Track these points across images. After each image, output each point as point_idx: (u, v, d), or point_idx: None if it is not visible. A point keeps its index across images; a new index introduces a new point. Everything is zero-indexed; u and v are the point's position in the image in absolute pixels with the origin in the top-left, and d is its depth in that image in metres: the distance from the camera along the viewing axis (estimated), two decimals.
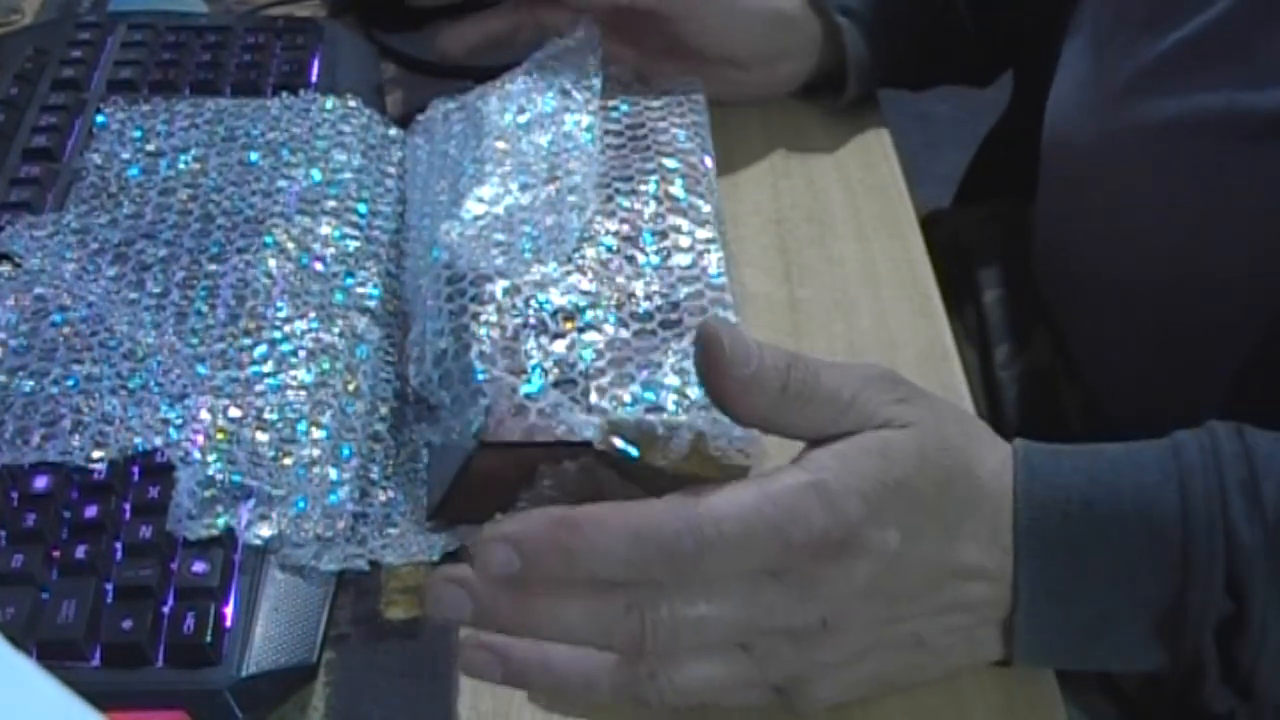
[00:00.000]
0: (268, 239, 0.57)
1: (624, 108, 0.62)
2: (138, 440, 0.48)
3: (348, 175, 0.61)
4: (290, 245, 0.57)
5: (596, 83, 0.61)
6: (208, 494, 0.47)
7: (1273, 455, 0.43)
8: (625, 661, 0.40)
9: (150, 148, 0.62)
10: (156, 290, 0.55)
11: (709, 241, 0.55)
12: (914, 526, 0.41)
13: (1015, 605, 0.43)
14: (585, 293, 0.52)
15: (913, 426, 0.42)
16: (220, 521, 0.46)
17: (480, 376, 0.49)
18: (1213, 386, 0.56)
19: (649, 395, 0.49)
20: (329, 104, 0.65)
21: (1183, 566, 0.42)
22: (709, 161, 0.60)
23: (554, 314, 0.51)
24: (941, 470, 0.42)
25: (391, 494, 0.50)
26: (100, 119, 0.64)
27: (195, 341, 0.52)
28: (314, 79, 0.69)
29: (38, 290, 0.54)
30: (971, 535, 0.42)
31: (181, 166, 0.61)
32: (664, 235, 0.55)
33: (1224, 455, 0.43)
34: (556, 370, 0.49)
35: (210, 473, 0.47)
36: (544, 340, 0.50)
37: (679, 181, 0.57)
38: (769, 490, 0.40)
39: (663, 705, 0.41)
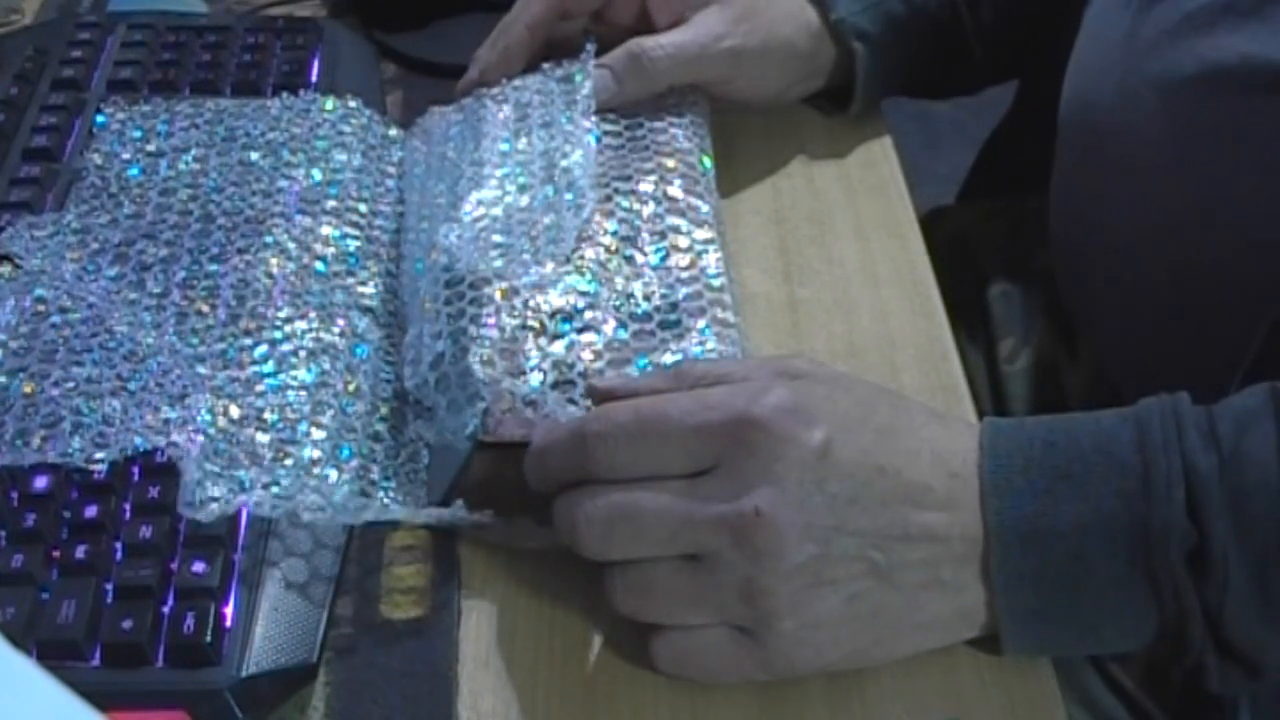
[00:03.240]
0: (268, 239, 0.57)
1: (622, 108, 0.62)
2: (138, 440, 0.48)
3: (348, 175, 0.61)
4: (290, 245, 0.57)
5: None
6: (214, 484, 0.47)
7: (1230, 403, 0.45)
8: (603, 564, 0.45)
9: (150, 148, 0.62)
10: (157, 290, 0.55)
11: (708, 242, 0.55)
12: (841, 427, 0.44)
13: (988, 554, 0.44)
14: (584, 293, 0.52)
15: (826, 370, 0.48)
16: (231, 505, 0.46)
17: (479, 378, 0.49)
18: (1231, 364, 0.56)
19: None
20: (329, 104, 0.65)
21: (1143, 494, 0.43)
22: (708, 161, 0.60)
23: (553, 315, 0.51)
24: (863, 388, 0.46)
25: (392, 494, 0.50)
26: (100, 119, 0.64)
27: (195, 341, 0.53)
28: (314, 79, 0.69)
29: (38, 291, 0.54)
30: (909, 450, 0.44)
31: (182, 166, 0.61)
32: (663, 236, 0.55)
33: (1180, 402, 0.45)
34: (555, 371, 0.49)
35: (211, 472, 0.47)
36: (543, 341, 0.50)
37: (678, 182, 0.57)
38: (692, 391, 0.45)
39: (627, 610, 0.44)
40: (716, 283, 0.53)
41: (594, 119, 0.59)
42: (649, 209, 0.56)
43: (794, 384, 0.45)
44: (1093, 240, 0.66)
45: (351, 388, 0.52)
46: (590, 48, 0.62)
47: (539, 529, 0.49)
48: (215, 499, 0.46)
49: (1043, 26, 0.72)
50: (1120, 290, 0.65)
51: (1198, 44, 0.56)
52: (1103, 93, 0.62)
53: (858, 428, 0.44)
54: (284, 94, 0.66)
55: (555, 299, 0.51)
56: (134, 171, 0.61)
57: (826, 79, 0.68)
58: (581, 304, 0.51)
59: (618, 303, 0.52)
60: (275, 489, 0.47)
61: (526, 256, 0.53)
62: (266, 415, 0.49)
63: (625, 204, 0.56)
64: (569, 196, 0.56)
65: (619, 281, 0.53)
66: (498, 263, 0.53)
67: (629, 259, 0.54)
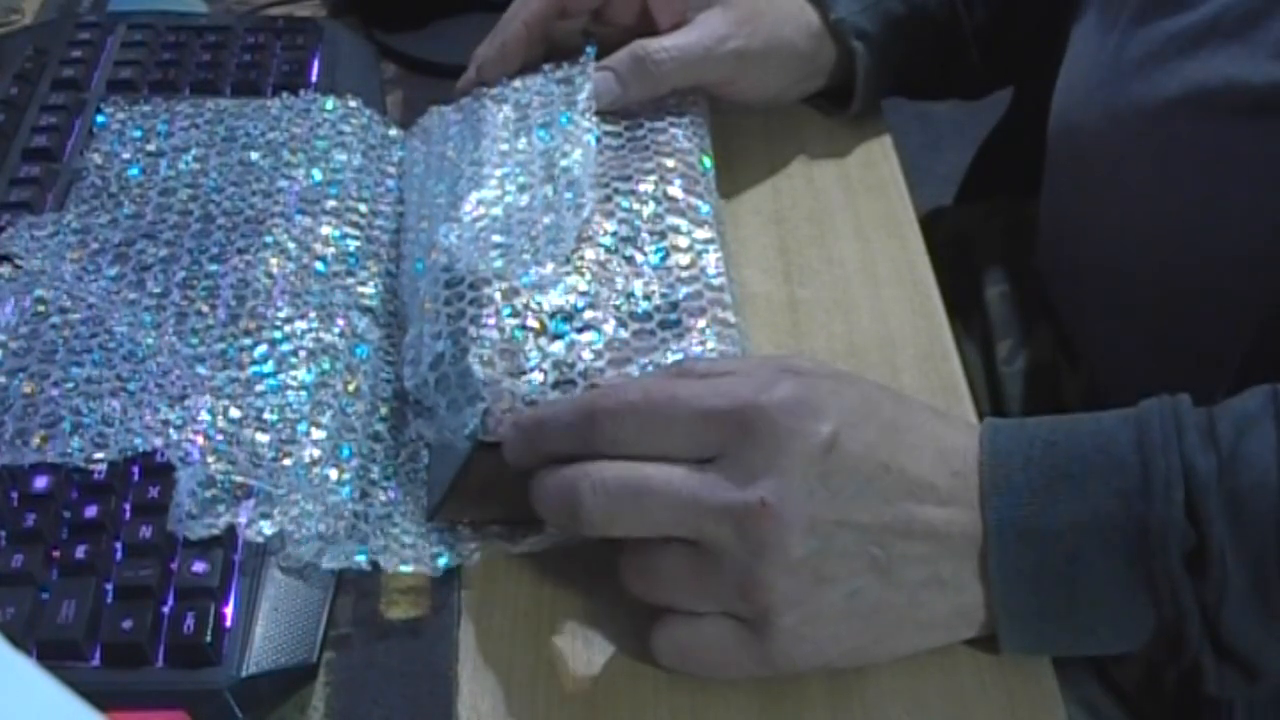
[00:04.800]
0: (268, 239, 0.57)
1: (622, 107, 0.62)
2: (138, 441, 0.48)
3: (348, 175, 0.61)
4: (290, 245, 0.57)
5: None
6: (208, 494, 0.47)
7: (1230, 404, 0.45)
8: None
9: (150, 148, 0.62)
10: (157, 290, 0.55)
11: (707, 242, 0.55)
12: (847, 421, 0.44)
13: (987, 552, 0.44)
14: (584, 293, 0.52)
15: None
16: (221, 521, 0.47)
17: (479, 378, 0.49)
18: (1215, 375, 0.56)
19: None
20: (329, 104, 0.65)
21: (1142, 494, 0.43)
22: (708, 161, 0.60)
23: (553, 315, 0.51)
24: (867, 385, 0.47)
25: (392, 494, 0.50)
26: (100, 119, 0.64)
27: (195, 342, 0.53)
28: (314, 79, 0.69)
29: (38, 291, 0.54)
30: (912, 447, 0.44)
31: (182, 166, 0.61)
32: (662, 235, 0.55)
33: (1181, 403, 0.45)
34: (555, 371, 0.49)
35: (210, 473, 0.47)
36: (543, 341, 0.50)
37: (678, 181, 0.57)
38: (702, 379, 0.45)
39: (636, 591, 0.45)
40: (716, 282, 0.53)
41: (594, 119, 0.59)
42: (649, 209, 0.56)
43: (800, 379, 0.45)
44: (1081, 255, 0.67)
45: (351, 388, 0.52)
46: (591, 50, 0.62)
47: (539, 531, 0.49)
48: (206, 518, 0.46)
49: (1038, 30, 0.72)
50: (1108, 302, 0.65)
51: (1182, 66, 0.56)
52: (1089, 114, 0.62)
53: (863, 423, 0.44)
54: (284, 94, 0.66)
55: (555, 299, 0.51)
56: (134, 171, 0.61)
57: (827, 79, 0.68)
58: (581, 304, 0.51)
59: (618, 302, 0.52)
60: (264, 508, 0.47)
61: (526, 256, 0.53)
62: (266, 415, 0.49)
63: (625, 204, 0.56)
64: (569, 196, 0.56)
65: (619, 281, 0.53)
66: (498, 263, 0.53)
67: (629, 259, 0.54)
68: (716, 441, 0.43)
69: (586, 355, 0.50)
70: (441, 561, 0.49)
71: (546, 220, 0.55)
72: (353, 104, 0.65)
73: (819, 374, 0.46)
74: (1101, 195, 0.63)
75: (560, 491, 0.45)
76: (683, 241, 0.55)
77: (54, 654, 0.43)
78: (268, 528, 0.47)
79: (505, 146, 0.59)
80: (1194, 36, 0.56)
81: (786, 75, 0.66)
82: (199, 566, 0.45)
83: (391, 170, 0.64)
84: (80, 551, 0.46)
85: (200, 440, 0.48)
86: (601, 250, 0.54)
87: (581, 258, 0.53)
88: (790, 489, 0.42)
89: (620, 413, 0.44)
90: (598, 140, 0.59)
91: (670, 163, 0.58)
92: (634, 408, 0.44)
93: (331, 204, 0.59)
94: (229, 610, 0.45)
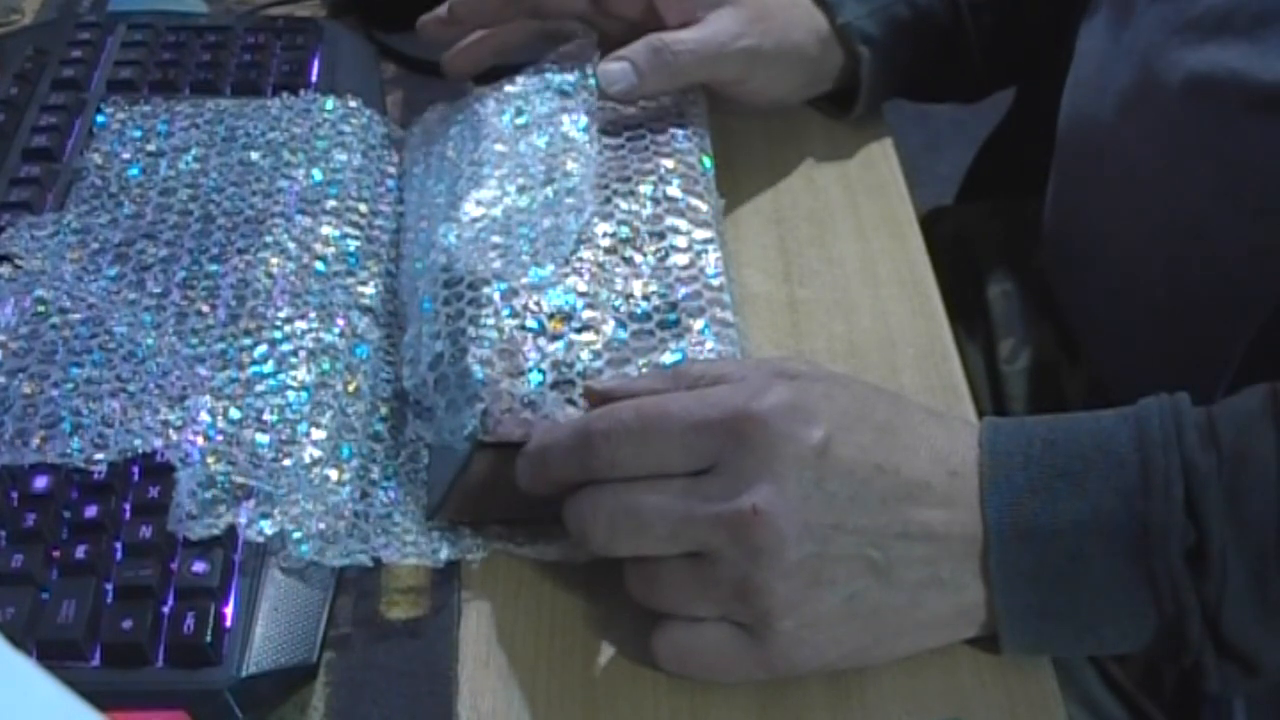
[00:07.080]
0: (268, 239, 0.57)
1: (622, 108, 0.62)
2: (137, 442, 0.48)
3: (348, 175, 0.61)
4: (291, 245, 0.57)
5: (594, 83, 0.61)
6: (208, 494, 0.47)
7: (1229, 403, 0.45)
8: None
9: (150, 148, 0.63)
10: (157, 290, 0.55)
11: (707, 242, 0.55)
12: (840, 425, 0.44)
13: (986, 551, 0.44)
14: (583, 294, 0.52)
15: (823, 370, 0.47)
16: (221, 521, 0.47)
17: (478, 378, 0.49)
18: (1217, 372, 0.56)
19: None
20: (329, 104, 0.65)
21: (1142, 492, 0.43)
22: (708, 161, 0.60)
23: (551, 315, 0.51)
24: (861, 387, 0.46)
25: (392, 494, 0.50)
26: (100, 119, 0.64)
27: (195, 342, 0.53)
28: (314, 79, 0.69)
29: (38, 291, 0.54)
30: (907, 448, 0.44)
31: (182, 166, 0.61)
32: (662, 236, 0.55)
33: (1180, 401, 0.45)
34: (554, 371, 0.49)
35: (210, 473, 0.47)
36: (542, 342, 0.50)
37: (677, 182, 0.57)
38: (693, 390, 0.45)
39: (639, 598, 0.45)
40: (716, 283, 0.53)
41: (594, 120, 0.59)
42: (648, 210, 0.56)
43: (793, 383, 0.45)
44: (1088, 250, 0.67)
45: (351, 388, 0.52)
46: (594, 52, 0.62)
47: (539, 535, 0.49)
48: (206, 518, 0.46)
49: (1041, 32, 0.72)
50: (1113, 299, 0.65)
51: (1187, 56, 0.56)
52: (1101, 107, 0.62)
53: (856, 426, 0.44)
54: (284, 94, 0.66)
55: (554, 299, 0.51)
56: (134, 171, 0.61)
57: (833, 83, 0.68)
58: (580, 304, 0.51)
59: (617, 303, 0.52)
60: (265, 508, 0.47)
61: (525, 257, 0.53)
62: (266, 416, 0.49)
63: (624, 205, 0.56)
64: (569, 199, 0.56)
65: (618, 282, 0.53)
66: (496, 263, 0.53)
67: (628, 259, 0.54)
68: (712, 451, 0.43)
69: (585, 355, 0.50)
70: (443, 554, 0.49)
71: (546, 223, 0.55)
72: (353, 104, 0.65)
73: (812, 377, 0.46)
74: (1111, 188, 0.63)
75: (569, 517, 0.45)
76: (682, 242, 0.55)
77: (54, 654, 0.43)
78: (268, 528, 0.47)
79: (505, 147, 0.59)
80: (1204, 28, 0.56)
81: (795, 78, 0.66)
82: (199, 566, 0.45)
83: (391, 170, 0.64)
84: (80, 551, 0.46)
85: (200, 440, 0.48)
86: (600, 251, 0.54)
87: (580, 258, 0.53)
88: (783, 494, 0.42)
89: (614, 433, 0.44)
90: (597, 141, 0.59)
91: (669, 163, 0.58)
92: (627, 427, 0.44)
93: (331, 204, 0.59)
94: (229, 610, 0.45)
